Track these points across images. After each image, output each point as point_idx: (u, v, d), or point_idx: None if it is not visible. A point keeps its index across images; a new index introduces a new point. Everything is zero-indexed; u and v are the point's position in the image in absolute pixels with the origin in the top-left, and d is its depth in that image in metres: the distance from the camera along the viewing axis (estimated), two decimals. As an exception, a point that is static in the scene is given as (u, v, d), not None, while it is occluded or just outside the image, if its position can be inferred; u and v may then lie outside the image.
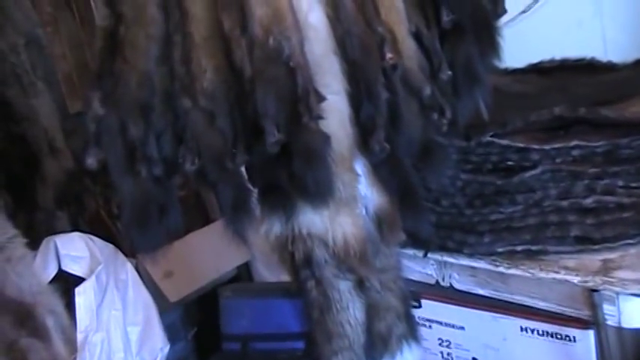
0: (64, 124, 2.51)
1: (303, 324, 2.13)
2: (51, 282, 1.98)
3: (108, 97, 1.47)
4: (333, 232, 1.54)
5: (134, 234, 1.52)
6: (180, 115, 1.47)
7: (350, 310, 1.63)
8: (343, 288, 1.62)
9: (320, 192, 1.42)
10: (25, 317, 1.79)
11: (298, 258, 1.59)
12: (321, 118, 1.39)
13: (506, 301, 1.83)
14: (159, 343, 2.15)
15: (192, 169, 1.47)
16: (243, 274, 2.55)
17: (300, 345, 2.17)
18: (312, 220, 1.53)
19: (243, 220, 1.51)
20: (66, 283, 2.00)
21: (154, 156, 1.47)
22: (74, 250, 2.06)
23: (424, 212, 1.63)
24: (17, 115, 2.34)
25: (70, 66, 2.70)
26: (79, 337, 1.95)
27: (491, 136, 1.78)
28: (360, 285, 1.64)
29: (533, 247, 1.74)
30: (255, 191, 1.53)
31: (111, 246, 2.14)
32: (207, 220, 2.57)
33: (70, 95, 2.68)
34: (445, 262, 1.89)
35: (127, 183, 1.47)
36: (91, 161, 1.48)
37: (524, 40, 1.71)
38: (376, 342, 1.70)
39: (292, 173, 1.42)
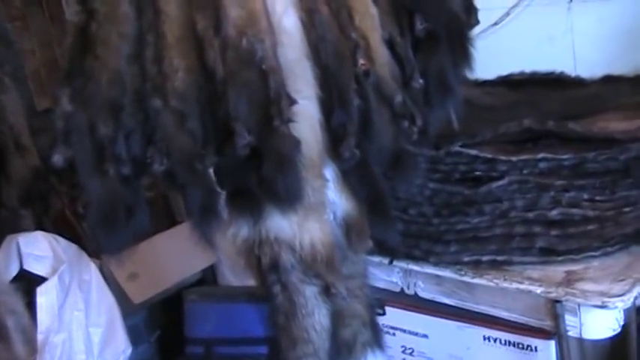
0: (30, 121, 2.46)
1: (267, 329, 2.12)
2: (12, 281, 1.96)
3: (77, 94, 1.44)
4: (300, 237, 1.53)
5: (100, 234, 1.49)
6: (150, 115, 1.44)
7: (315, 316, 1.62)
8: (309, 294, 1.61)
9: (289, 197, 1.41)
10: None
11: (265, 262, 1.58)
12: (292, 121, 1.38)
13: (470, 311, 1.84)
14: (121, 345, 2.13)
15: (161, 170, 1.45)
16: (208, 277, 2.53)
17: (263, 350, 2.16)
18: (279, 224, 1.52)
19: (210, 223, 1.49)
20: (28, 283, 1.97)
21: (123, 155, 1.44)
22: (37, 249, 2.03)
23: (392, 220, 1.63)
24: (-17, 111, 2.29)
25: (39, 63, 2.66)
26: (40, 337, 1.93)
27: (460, 146, 1.78)
28: (327, 291, 1.62)
29: (499, 258, 1.75)
30: (223, 194, 1.51)
31: (75, 246, 2.11)
32: (173, 222, 2.54)
33: (38, 92, 2.64)
34: (411, 271, 1.89)
35: (95, 182, 1.45)
36: (58, 159, 1.45)
37: (494, 53, 1.72)
38: (341, 349, 1.69)
39: (261, 177, 1.41)
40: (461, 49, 1.57)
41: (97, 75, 1.44)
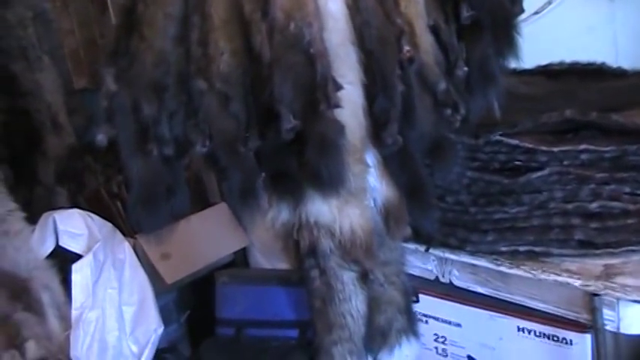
0: (67, 100, 2.47)
1: (298, 313, 2.12)
2: (48, 257, 1.96)
3: (122, 74, 1.44)
4: (340, 222, 1.52)
5: (140, 213, 1.50)
6: (194, 96, 1.45)
7: (352, 302, 1.62)
8: (347, 279, 1.61)
9: (331, 181, 1.40)
10: (20, 291, 1.77)
11: (303, 247, 1.57)
12: (338, 106, 1.37)
13: (504, 301, 1.82)
14: (153, 324, 2.13)
15: (203, 151, 1.46)
16: (240, 259, 2.53)
17: (293, 333, 2.15)
18: (320, 209, 1.52)
19: (250, 206, 1.49)
20: (63, 260, 1.97)
21: (166, 136, 1.45)
22: (72, 226, 2.04)
23: (431, 208, 1.62)
24: (22, 89, 2.31)
25: (78, 42, 2.66)
26: (74, 313, 1.93)
27: (500, 136, 1.76)
28: (364, 277, 1.62)
29: (536, 249, 1.73)
30: (263, 177, 1.51)
31: (109, 225, 2.11)
32: (206, 204, 2.54)
33: (75, 71, 2.65)
34: (446, 259, 1.88)
35: (137, 162, 1.45)
36: (101, 137, 1.46)
37: (534, 42, 1.68)
38: (375, 335, 1.69)
39: (304, 161, 1.40)
40: (505, 38, 1.55)
41: (143, 55, 1.44)
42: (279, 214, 1.55)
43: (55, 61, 2.44)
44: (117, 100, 1.43)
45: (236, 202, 1.50)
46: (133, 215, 1.51)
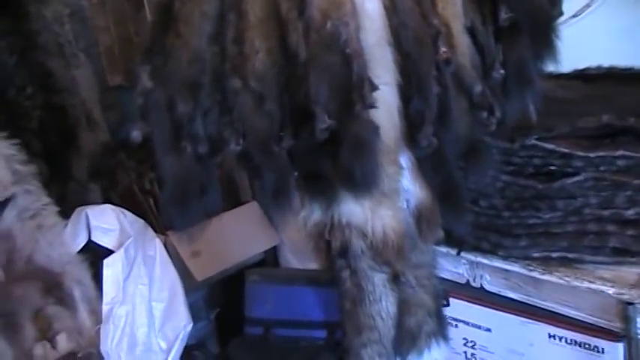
0: (101, 97, 2.48)
1: (327, 313, 2.13)
2: (80, 252, 1.96)
3: (158, 72, 1.44)
4: (372, 223, 1.51)
5: (172, 211, 1.49)
6: (228, 95, 1.43)
7: (382, 303, 1.60)
8: (378, 281, 1.59)
9: (365, 182, 1.39)
10: (52, 285, 1.77)
11: (335, 247, 1.56)
12: (373, 107, 1.35)
13: (536, 307, 1.79)
14: (182, 320, 2.13)
15: (237, 150, 1.45)
16: (270, 258, 2.52)
17: (322, 334, 2.16)
18: (352, 210, 1.50)
19: (282, 205, 1.48)
20: (94, 255, 1.97)
21: (200, 134, 1.44)
22: (105, 222, 2.04)
23: (465, 212, 1.59)
24: (58, 86, 2.31)
25: (113, 39, 2.67)
26: (105, 308, 1.94)
27: (535, 140, 1.73)
28: (395, 279, 1.60)
29: (570, 255, 1.70)
30: (296, 177, 1.49)
31: (141, 221, 2.11)
32: (237, 202, 2.53)
33: (110, 69, 2.65)
34: (478, 263, 1.85)
35: (170, 160, 1.44)
36: (136, 134, 1.46)
37: (571, 45, 1.65)
38: (405, 337, 1.66)
39: (337, 161, 1.39)
40: (544, 41, 1.51)
41: (178, 53, 1.43)
42: (312, 214, 1.54)
43: (90, 58, 2.44)
44: (152, 98, 1.43)
45: (268, 201, 1.48)
46: (165, 213, 1.50)
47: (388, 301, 1.60)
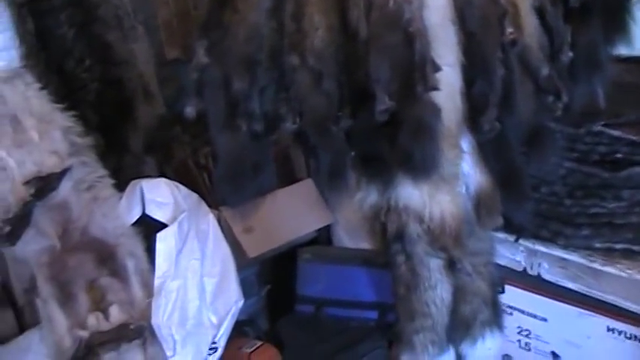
0: (159, 70, 2.44)
1: (379, 294, 2.07)
2: (133, 225, 1.94)
3: (214, 47, 1.39)
4: (430, 208, 1.45)
5: (226, 188, 1.46)
6: (286, 72, 1.39)
7: (437, 290, 1.54)
8: (433, 266, 1.53)
9: (425, 166, 1.33)
10: (106, 257, 1.76)
11: (390, 231, 1.50)
12: (436, 89, 1.29)
13: (595, 299, 1.72)
14: (234, 296, 2.09)
15: (293, 129, 1.40)
16: (323, 236, 2.47)
17: (373, 315, 2.11)
18: (410, 193, 1.44)
19: (338, 186, 1.43)
20: (148, 228, 1.95)
21: (256, 112, 1.40)
22: (159, 195, 2.01)
23: (526, 199, 1.52)
24: (116, 59, 2.27)
25: (171, 12, 2.63)
26: (157, 282, 1.91)
27: (602, 126, 1.65)
28: (451, 265, 1.54)
29: (634, 247, 1.63)
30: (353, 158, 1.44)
31: (195, 195, 2.07)
32: (292, 179, 2.48)
33: (168, 42, 2.61)
34: (536, 251, 1.78)
35: (225, 137, 1.41)
36: (190, 110, 1.41)
37: (642, 28, 1.56)
38: (459, 325, 1.60)
39: (397, 143, 1.33)
40: (617, 23, 1.43)
41: (235, 29, 1.39)
42: (368, 196, 1.49)
43: (148, 31, 2.40)
44: (207, 74, 1.39)
45: (324, 182, 1.44)
46: (218, 190, 1.47)
47: (443, 288, 1.55)
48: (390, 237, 1.52)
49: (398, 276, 1.55)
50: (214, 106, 1.40)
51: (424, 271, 1.52)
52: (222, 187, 1.46)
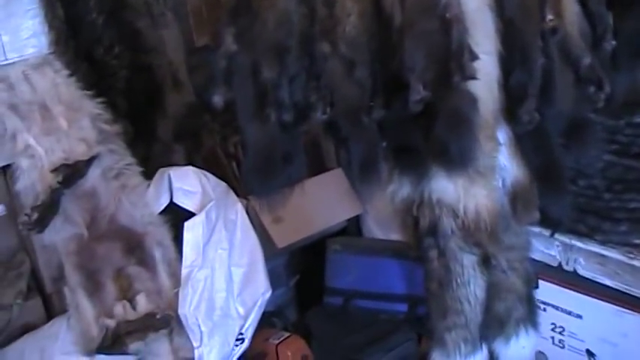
0: (188, 58, 2.39)
1: (409, 287, 2.02)
2: (161, 214, 1.91)
3: (242, 34, 1.33)
4: (465, 202, 1.38)
5: (255, 179, 1.41)
6: (317, 60, 1.33)
7: (471, 287, 1.47)
8: (467, 262, 1.46)
9: (461, 159, 1.27)
10: (134, 246, 1.75)
11: (423, 225, 1.44)
12: (473, 78, 1.22)
13: (633, 296, 1.65)
14: (261, 287, 2.05)
15: (323, 119, 1.34)
16: (352, 227, 2.41)
17: (403, 308, 2.06)
18: (444, 187, 1.38)
19: (370, 178, 1.36)
20: (176, 217, 1.91)
21: (286, 101, 1.33)
22: (187, 184, 1.97)
23: (565, 194, 1.45)
24: (146, 46, 2.22)
25: (201, -1, 2.58)
26: (184, 271, 1.88)
27: (644, 118, 1.57)
28: (485, 262, 1.47)
29: (676, 244, 1.55)
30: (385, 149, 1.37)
31: (224, 184, 2.03)
32: (322, 168, 2.42)
33: (197, 29, 2.55)
34: (572, 246, 1.71)
35: (254, 127, 1.35)
36: (218, 99, 1.36)
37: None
38: (493, 323, 1.54)
39: (431, 135, 1.27)
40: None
41: (265, 14, 1.32)
42: (400, 188, 1.42)
43: (177, 18, 2.35)
44: (236, 61, 1.33)
45: (355, 174, 1.37)
46: (246, 181, 1.42)
47: (477, 285, 1.48)
48: (422, 231, 1.45)
49: (430, 271, 1.49)
50: (243, 95, 1.34)
51: (457, 267, 1.46)
52: (250, 178, 1.40)
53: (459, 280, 1.46)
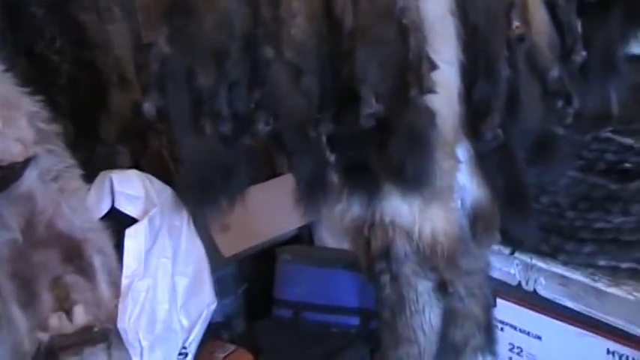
0: (136, 55, 2.21)
1: (362, 300, 1.90)
2: (102, 219, 1.75)
3: (177, 35, 1.15)
4: (420, 224, 1.22)
5: (189, 197, 1.23)
6: (259, 66, 1.14)
7: (426, 315, 1.31)
8: (422, 289, 1.29)
9: (416, 179, 1.11)
10: (73, 253, 1.58)
11: (375, 247, 1.27)
12: (432, 91, 1.06)
13: (595, 319, 1.50)
14: (207, 298, 1.91)
15: (266, 130, 1.17)
16: (304, 235, 2.26)
17: (354, 321, 1.94)
18: (398, 208, 1.21)
19: (317, 197, 1.20)
20: (117, 222, 1.75)
21: (223, 112, 1.16)
22: (130, 188, 1.82)
23: (530, 216, 1.30)
24: (90, 41, 2.07)
25: (149, -6, 2.41)
26: (124, 282, 1.73)
27: (611, 133, 1.43)
28: (442, 288, 1.31)
29: (642, 268, 1.41)
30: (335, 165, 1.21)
31: (169, 189, 1.88)
32: (273, 174, 2.26)
33: (145, 25, 2.38)
34: (533, 266, 1.56)
35: (189, 139, 1.18)
36: (148, 107, 1.19)
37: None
38: (449, 351, 1.38)
39: (385, 152, 1.11)
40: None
41: (202, 14, 1.14)
42: (350, 208, 1.26)
43: (125, 13, 2.17)
44: (169, 65, 1.14)
45: (301, 191, 1.20)
46: (182, 199, 1.24)
47: (432, 313, 1.31)
48: (374, 254, 1.28)
49: (382, 298, 1.32)
50: (177, 103, 1.16)
51: (411, 293, 1.29)
52: (184, 196, 1.23)
53: (412, 308, 1.30)
